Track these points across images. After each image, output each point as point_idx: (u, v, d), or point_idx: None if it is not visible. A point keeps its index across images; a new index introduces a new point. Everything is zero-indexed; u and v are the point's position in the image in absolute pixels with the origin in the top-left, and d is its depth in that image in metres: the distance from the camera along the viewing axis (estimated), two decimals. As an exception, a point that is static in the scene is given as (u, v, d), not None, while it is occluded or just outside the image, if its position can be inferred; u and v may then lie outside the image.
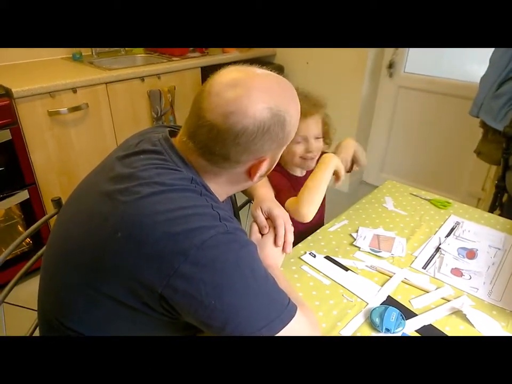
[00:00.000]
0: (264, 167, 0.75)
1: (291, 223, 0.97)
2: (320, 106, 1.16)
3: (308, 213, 1.05)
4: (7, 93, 1.77)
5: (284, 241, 0.93)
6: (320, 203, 1.08)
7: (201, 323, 0.66)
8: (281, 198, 1.10)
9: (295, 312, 0.70)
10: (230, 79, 0.69)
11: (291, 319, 0.68)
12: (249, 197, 1.12)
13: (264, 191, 1.06)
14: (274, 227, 0.94)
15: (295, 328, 0.69)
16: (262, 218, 0.95)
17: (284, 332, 0.66)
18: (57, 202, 1.07)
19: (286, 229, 0.94)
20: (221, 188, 0.76)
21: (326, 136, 1.21)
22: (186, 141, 0.72)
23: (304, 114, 1.10)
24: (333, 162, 1.09)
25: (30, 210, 1.97)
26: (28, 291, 1.05)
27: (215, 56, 2.62)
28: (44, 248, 0.83)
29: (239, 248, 0.66)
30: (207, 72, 2.04)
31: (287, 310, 0.69)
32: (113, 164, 0.75)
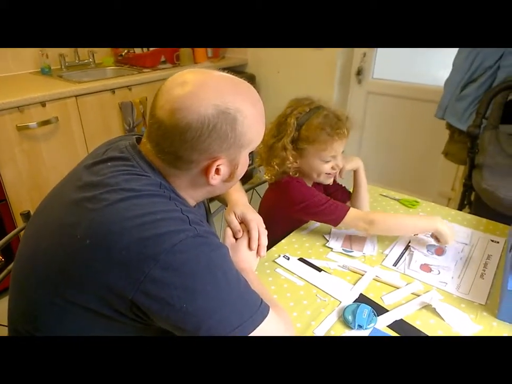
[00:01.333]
0: (223, 170, 0.74)
1: (264, 226, 0.98)
2: (351, 128, 1.17)
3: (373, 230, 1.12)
4: (-26, 109, 1.74)
5: (258, 245, 0.94)
6: None
7: (174, 327, 0.66)
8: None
9: (268, 313, 0.70)
10: (182, 78, 0.69)
11: (263, 320, 0.69)
12: (223, 203, 1.12)
13: (237, 196, 1.07)
14: (248, 231, 0.95)
15: (268, 328, 0.69)
16: (235, 223, 0.96)
17: (257, 332, 0.67)
18: (26, 215, 1.05)
19: (260, 232, 0.95)
20: (185, 192, 0.76)
21: None
22: (145, 142, 0.73)
23: (341, 136, 1.14)
24: (434, 225, 1.10)
25: (1, 226, 1.92)
26: (1, 308, 1.02)
27: (186, 66, 2.64)
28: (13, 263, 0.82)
29: (209, 251, 0.67)
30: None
31: (259, 310, 0.69)
32: (81, 173, 0.74)
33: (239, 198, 1.06)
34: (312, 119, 1.14)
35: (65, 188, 0.76)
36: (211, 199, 1.10)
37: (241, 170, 0.79)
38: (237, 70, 2.97)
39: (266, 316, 0.69)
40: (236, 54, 3.04)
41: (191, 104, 0.66)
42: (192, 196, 0.79)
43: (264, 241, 0.95)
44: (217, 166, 0.72)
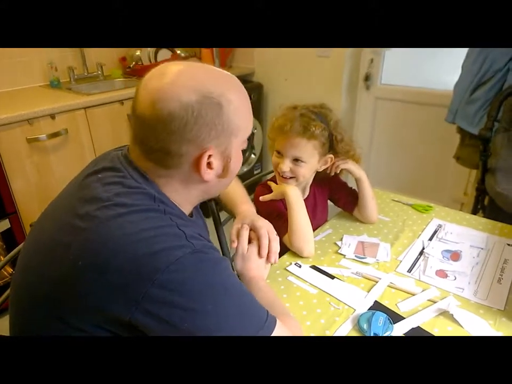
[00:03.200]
0: (216, 164, 0.70)
1: (275, 232, 0.96)
2: (311, 135, 1.11)
3: (303, 249, 1.09)
4: (-16, 122, 1.75)
5: (269, 251, 0.92)
6: (310, 233, 1.11)
7: None
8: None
9: (275, 326, 0.68)
10: (160, 70, 0.67)
11: (270, 334, 0.67)
12: (232, 214, 1.11)
13: (246, 208, 1.06)
14: (258, 238, 0.93)
15: None
16: (243, 232, 0.95)
17: None
18: (36, 226, 1.05)
19: (270, 239, 0.93)
20: (180, 195, 0.73)
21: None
22: (132, 147, 0.71)
23: (285, 131, 1.11)
24: (285, 193, 1.12)
25: (12, 239, 1.93)
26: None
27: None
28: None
29: (209, 267, 0.64)
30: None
31: (266, 325, 0.67)
32: (74, 187, 0.73)
33: (248, 208, 1.05)
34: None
35: (59, 203, 0.74)
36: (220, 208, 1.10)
37: (235, 165, 0.75)
38: (244, 79, 2.98)
39: (273, 330, 0.67)
40: (242, 63, 3.05)
41: (171, 93, 0.63)
42: (187, 199, 0.75)
43: (275, 248, 0.93)
44: (209, 158, 0.69)
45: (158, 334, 0.61)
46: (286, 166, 1.14)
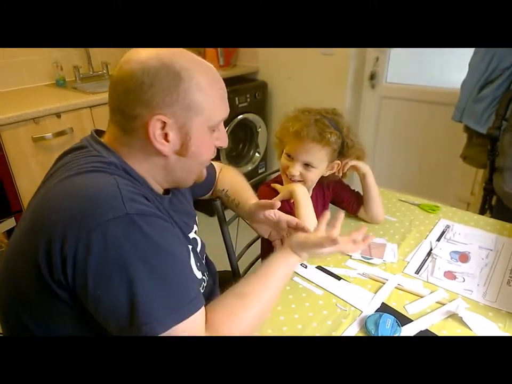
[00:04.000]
0: (173, 137, 0.71)
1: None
2: (327, 142, 1.10)
3: None
4: (-10, 121, 1.75)
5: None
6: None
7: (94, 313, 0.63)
8: None
9: (196, 311, 0.65)
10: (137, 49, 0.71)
11: (189, 317, 0.63)
12: (241, 209, 1.10)
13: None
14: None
15: (191, 327, 0.64)
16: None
17: (177, 331, 0.62)
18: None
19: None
20: (143, 168, 0.74)
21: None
22: (109, 120, 0.75)
23: (301, 136, 1.10)
24: (293, 192, 1.11)
25: (17, 238, 1.93)
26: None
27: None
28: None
29: (136, 233, 0.61)
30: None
31: (184, 308, 0.64)
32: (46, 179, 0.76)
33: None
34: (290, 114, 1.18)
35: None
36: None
37: (198, 148, 0.75)
38: (248, 78, 2.97)
39: (194, 313, 0.64)
40: (247, 62, 3.04)
41: (138, 57, 0.68)
42: (151, 175, 0.76)
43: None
44: (164, 128, 0.69)
45: (81, 297, 0.62)
46: (296, 170, 1.14)
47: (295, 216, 1.09)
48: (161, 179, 0.78)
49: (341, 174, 1.23)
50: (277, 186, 1.20)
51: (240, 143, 2.99)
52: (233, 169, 1.21)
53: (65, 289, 0.62)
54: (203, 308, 0.68)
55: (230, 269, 1.31)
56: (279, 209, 1.14)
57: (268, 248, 1.29)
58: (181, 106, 0.69)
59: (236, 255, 1.31)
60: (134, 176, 0.72)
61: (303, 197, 1.10)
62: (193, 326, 0.64)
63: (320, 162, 1.14)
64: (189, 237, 0.89)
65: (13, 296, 0.68)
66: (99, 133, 0.78)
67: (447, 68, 2.45)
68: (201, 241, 0.98)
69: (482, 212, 1.86)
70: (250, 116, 2.81)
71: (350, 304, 0.93)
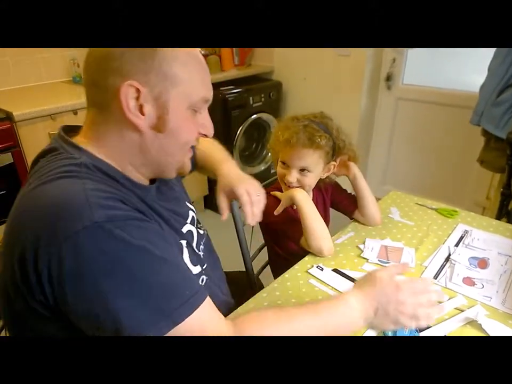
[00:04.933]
0: (148, 109, 0.67)
1: (258, 192, 0.96)
2: (317, 146, 1.11)
3: (322, 248, 1.09)
4: (8, 117, 1.78)
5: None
6: (325, 231, 1.11)
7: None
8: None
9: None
10: None
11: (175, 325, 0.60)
12: (212, 175, 1.06)
13: (227, 168, 1.01)
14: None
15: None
16: (223, 205, 0.96)
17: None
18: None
19: (253, 202, 0.94)
20: (118, 152, 0.70)
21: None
22: (87, 104, 0.72)
23: (292, 144, 1.12)
24: (293, 198, 1.12)
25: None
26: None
27: (213, 74, 2.64)
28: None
29: (107, 242, 0.58)
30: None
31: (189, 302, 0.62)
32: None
33: (229, 168, 1.01)
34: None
35: None
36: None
37: (176, 124, 0.70)
38: (263, 77, 2.97)
39: (194, 311, 0.62)
40: (262, 62, 3.04)
41: None
42: (126, 157, 0.71)
43: (255, 211, 0.94)
44: (138, 99, 0.65)
45: (67, 314, 0.60)
46: (293, 177, 1.16)
47: (300, 220, 1.11)
48: (139, 163, 0.73)
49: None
50: (277, 194, 1.22)
51: (254, 143, 2.98)
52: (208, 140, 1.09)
53: (49, 309, 0.60)
54: (207, 299, 0.66)
55: (241, 269, 1.31)
56: (284, 213, 1.15)
57: (275, 257, 1.31)
58: (156, 73, 0.65)
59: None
60: (108, 173, 0.67)
61: (304, 200, 1.12)
62: (198, 322, 0.62)
63: (315, 166, 1.16)
64: (181, 232, 0.84)
65: (5, 308, 0.67)
66: (70, 128, 0.75)
67: (465, 70, 2.43)
68: (201, 231, 0.95)
69: (499, 217, 1.83)
70: (264, 116, 2.80)
71: (367, 308, 0.92)
